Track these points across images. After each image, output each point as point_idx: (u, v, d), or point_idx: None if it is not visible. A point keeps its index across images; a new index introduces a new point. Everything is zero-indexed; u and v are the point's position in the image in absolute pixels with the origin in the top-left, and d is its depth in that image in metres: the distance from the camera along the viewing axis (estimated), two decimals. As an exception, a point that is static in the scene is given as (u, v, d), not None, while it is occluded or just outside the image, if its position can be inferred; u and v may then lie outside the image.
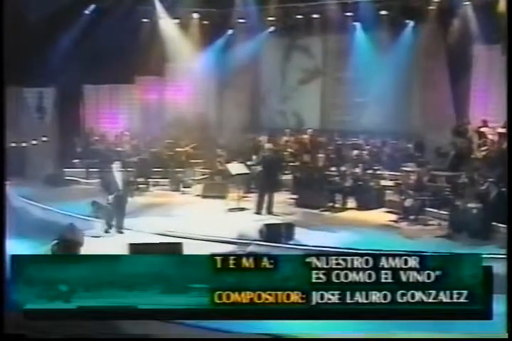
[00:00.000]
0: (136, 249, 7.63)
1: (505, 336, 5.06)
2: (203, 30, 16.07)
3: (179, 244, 7.73)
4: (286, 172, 13.07)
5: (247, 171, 11.42)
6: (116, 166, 9.73)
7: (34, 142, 14.98)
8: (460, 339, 5.34)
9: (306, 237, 9.02)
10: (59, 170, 14.59)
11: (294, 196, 12.13)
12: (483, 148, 12.53)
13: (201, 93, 16.47)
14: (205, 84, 16.26)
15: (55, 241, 9.01)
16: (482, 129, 13.20)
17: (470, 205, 9.18)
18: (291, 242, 8.62)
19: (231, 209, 11.17)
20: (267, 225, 8.79)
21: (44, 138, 15.11)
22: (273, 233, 8.58)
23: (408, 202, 10.34)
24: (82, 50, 14.60)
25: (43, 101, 15.48)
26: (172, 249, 7.63)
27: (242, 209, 11.17)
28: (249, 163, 12.00)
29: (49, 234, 9.18)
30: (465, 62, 13.95)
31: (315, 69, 16.21)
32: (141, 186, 13.43)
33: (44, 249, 8.96)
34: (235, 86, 16.26)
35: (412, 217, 10.27)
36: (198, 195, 12.84)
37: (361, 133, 14.91)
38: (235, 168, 11.44)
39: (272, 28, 15.83)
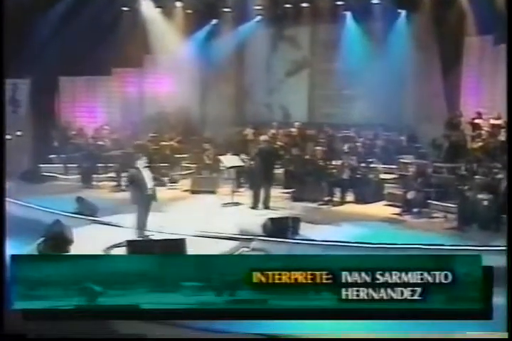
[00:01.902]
0: (134, 246, 7.03)
1: (505, 336, 4.97)
2: (187, 19, 15.47)
3: (182, 241, 7.17)
4: (278, 166, 12.56)
5: (242, 163, 10.87)
6: (142, 163, 8.69)
7: (8, 136, 14.09)
8: (460, 340, 5.27)
9: (311, 232, 8.56)
10: (35, 166, 13.84)
11: (289, 190, 11.67)
12: (478, 140, 12.31)
13: (183, 86, 15.74)
14: (188, 76, 15.57)
15: (42, 240, 8.34)
16: (476, 121, 12.97)
17: (480, 196, 8.86)
18: (297, 237, 8.10)
19: (225, 204, 10.62)
20: (272, 219, 8.27)
21: (18, 133, 14.27)
22: (279, 227, 8.07)
23: (411, 195, 9.98)
24: (58, 39, 13.84)
25: (16, 94, 14.60)
26: (175, 246, 7.06)
27: (237, 203, 10.63)
28: (244, 156, 11.42)
29: (31, 232, 8.53)
30: (457, 52, 13.74)
31: (303, 60, 15.78)
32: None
33: (28, 248, 8.29)
34: (219, 78, 15.72)
35: (415, 210, 9.91)
36: (186, 190, 12.25)
37: (351, 126, 14.53)
38: (229, 160, 10.90)
39: (258, 18, 15.33)
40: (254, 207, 10.41)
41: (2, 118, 7.44)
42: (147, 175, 8.57)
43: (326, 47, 15.30)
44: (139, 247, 6.95)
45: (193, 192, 12.01)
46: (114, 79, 15.78)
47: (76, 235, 8.34)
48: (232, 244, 8.07)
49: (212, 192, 11.86)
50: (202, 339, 5.65)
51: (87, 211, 9.85)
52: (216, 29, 15.56)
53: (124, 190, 12.27)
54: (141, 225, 8.54)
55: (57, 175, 13.65)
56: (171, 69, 15.48)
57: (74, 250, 7.83)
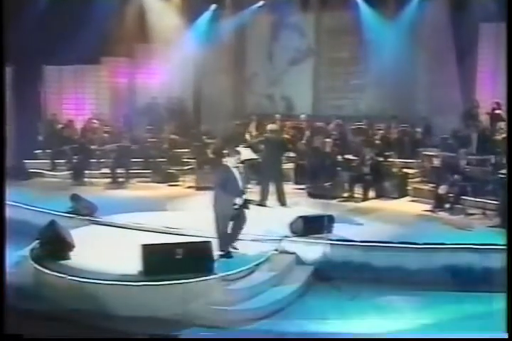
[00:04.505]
0: (152, 251, 5.99)
1: (506, 336, 4.85)
2: (183, 4, 14.44)
3: (207, 243, 6.15)
4: (287, 159, 11.63)
5: (256, 156, 9.86)
6: (233, 160, 7.01)
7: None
8: (460, 339, 5.23)
9: (345, 231, 7.61)
10: (19, 162, 12.66)
11: (301, 186, 10.74)
12: (502, 131, 11.56)
13: (178, 76, 14.65)
14: (183, 66, 14.46)
15: (36, 244, 7.25)
16: (497, 111, 12.22)
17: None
18: (332, 237, 7.14)
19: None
20: (304, 218, 7.26)
21: (0, 126, 13.07)
22: (312, 227, 7.09)
23: (442, 189, 9.10)
24: (44, 25, 12.68)
25: (-3, 83, 13.39)
26: (199, 250, 6.05)
27: (250, 201, 9.56)
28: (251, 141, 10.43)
29: (20, 236, 7.46)
30: (472, 40, 12.97)
31: (307, 48, 14.78)
32: (120, 178, 11.74)
33: (20, 255, 7.23)
34: (218, 67, 14.70)
35: (447, 206, 9.05)
36: (190, 187, 11.24)
37: (359, 118, 13.64)
38: (243, 153, 9.81)
39: (260, 3, 14.30)
40: (262, 203, 9.40)
41: (2, 116, 6.52)
42: (239, 176, 6.94)
43: (333, 35, 14.37)
44: (158, 252, 5.91)
45: (198, 188, 10.99)
46: (104, 69, 14.67)
47: (74, 238, 7.26)
48: (259, 245, 7.05)
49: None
50: (207, 340, 5.38)
51: (85, 210, 8.75)
52: (215, 15, 14.53)
53: (121, 188, 11.37)
54: (227, 237, 6.82)
55: (44, 172, 12.53)
56: (165, 59, 14.38)
57: (74, 256, 6.80)
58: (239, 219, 6.82)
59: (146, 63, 14.93)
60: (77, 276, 6.05)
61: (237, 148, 10.29)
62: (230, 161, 7.05)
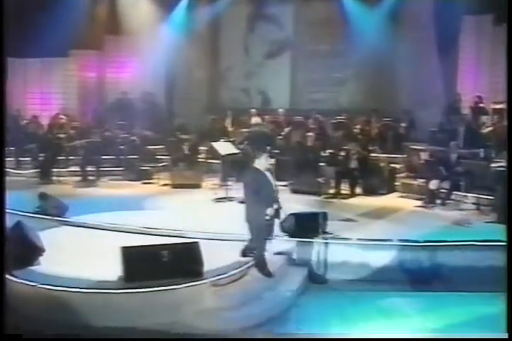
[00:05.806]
0: (133, 253, 5.39)
1: (506, 336, 4.78)
2: (154, -5, 13.82)
3: (195, 245, 5.59)
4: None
5: (237, 151, 9.31)
6: (263, 162, 6.09)
7: None
8: (460, 339, 5.18)
9: (338, 229, 7.13)
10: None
11: (283, 182, 10.23)
12: (487, 124, 11.38)
13: (149, 69, 13.96)
14: (155, 59, 13.79)
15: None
16: (481, 105, 12.00)
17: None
18: (327, 236, 6.66)
19: (218, 200, 9.07)
20: (296, 215, 6.73)
21: (-42, 123, 12.19)
22: (306, 225, 6.59)
23: (433, 184, 8.74)
24: (8, 15, 11.83)
25: (-45, 77, 12.50)
26: (186, 252, 5.49)
27: (231, 198, 9.03)
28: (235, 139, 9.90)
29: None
30: (455, 32, 12.72)
31: (285, 41, 14.30)
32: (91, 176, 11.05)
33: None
34: (191, 60, 14.12)
35: (438, 202, 8.70)
36: (166, 185, 10.65)
37: (339, 112, 13.24)
38: (223, 147, 9.31)
39: (236, -7, 13.85)
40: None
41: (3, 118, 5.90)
42: (272, 181, 6.07)
43: (312, 26, 13.89)
44: (140, 255, 5.32)
45: (174, 186, 10.41)
46: (72, 62, 13.96)
47: (43, 241, 6.59)
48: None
49: (197, 186, 10.34)
50: (208, 340, 5.13)
51: (54, 210, 8.03)
52: (190, 5, 13.92)
53: (92, 186, 10.68)
54: (261, 248, 6.11)
55: (9, 170, 11.70)
56: (136, 52, 13.72)
57: (44, 261, 6.14)
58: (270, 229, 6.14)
59: (116, 56, 14.33)
60: (49, 284, 5.41)
61: (217, 142, 9.89)
62: (259, 164, 6.10)
